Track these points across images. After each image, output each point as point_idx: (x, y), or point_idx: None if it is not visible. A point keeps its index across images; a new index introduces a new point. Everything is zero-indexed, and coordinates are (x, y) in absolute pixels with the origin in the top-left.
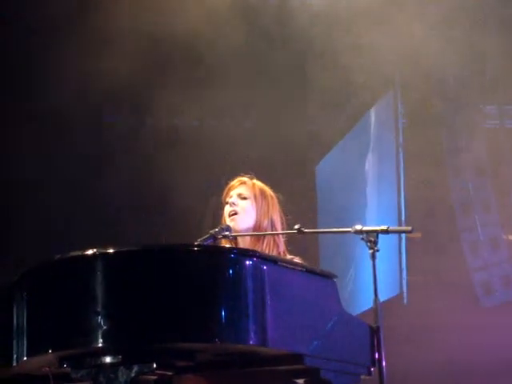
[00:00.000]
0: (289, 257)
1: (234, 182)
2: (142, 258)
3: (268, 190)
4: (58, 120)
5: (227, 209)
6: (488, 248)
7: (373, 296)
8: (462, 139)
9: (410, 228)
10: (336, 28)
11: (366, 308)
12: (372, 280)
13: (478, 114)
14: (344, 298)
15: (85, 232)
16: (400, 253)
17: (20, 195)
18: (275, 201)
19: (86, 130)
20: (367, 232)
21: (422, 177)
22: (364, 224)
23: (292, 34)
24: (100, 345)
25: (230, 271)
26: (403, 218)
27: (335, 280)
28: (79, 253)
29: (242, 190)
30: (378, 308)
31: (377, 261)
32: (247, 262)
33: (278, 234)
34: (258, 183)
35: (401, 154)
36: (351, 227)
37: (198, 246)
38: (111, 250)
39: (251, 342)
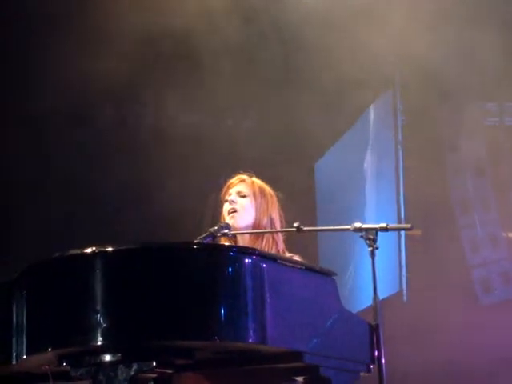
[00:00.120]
0: (288, 255)
1: (234, 180)
2: (141, 256)
3: (267, 188)
4: (56, 120)
5: (226, 207)
6: (487, 246)
7: (372, 294)
8: (462, 137)
9: (409, 225)
10: (333, 26)
11: (366, 306)
12: (371, 278)
13: (478, 111)
14: (343, 295)
15: (83, 231)
16: (399, 250)
17: (19, 195)
18: (274, 199)
19: (84, 129)
20: (366, 229)
21: (422, 174)
22: (363, 222)
23: (290, 33)
24: (99, 343)
25: (230, 269)
26: (402, 216)
27: (334, 278)
28: (78, 251)
29: (242, 187)
30: (377, 306)
31: (376, 258)
32: (246, 260)
33: (277, 232)
34: (258, 181)
35: (400, 152)
36: (350, 225)
37: (197, 243)
38: (110, 248)
39: (250, 340)
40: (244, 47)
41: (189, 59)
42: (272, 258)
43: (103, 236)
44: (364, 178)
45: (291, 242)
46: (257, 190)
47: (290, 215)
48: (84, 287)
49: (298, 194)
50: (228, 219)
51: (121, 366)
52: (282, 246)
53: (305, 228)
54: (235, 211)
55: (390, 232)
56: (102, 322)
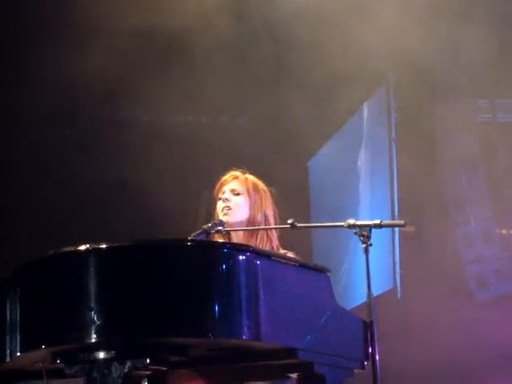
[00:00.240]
0: (282, 251)
1: (227, 177)
2: (135, 253)
3: (261, 184)
4: (50, 118)
5: (220, 204)
6: (481, 242)
7: (366, 290)
8: (455, 133)
9: (403, 222)
10: (324, 23)
11: (360, 302)
12: (365, 274)
13: (471, 108)
14: (337, 292)
15: (81, 231)
16: (393, 247)
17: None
18: (268, 195)
19: (80, 128)
20: (360, 226)
21: (415, 171)
22: (357, 218)
23: (282, 30)
24: (93, 340)
25: (224, 266)
26: (396, 213)
27: (328, 274)
28: (72, 248)
29: (235, 185)
30: (371, 302)
31: (370, 255)
32: (240, 257)
33: (271, 229)
34: (251, 177)
35: (394, 149)
36: (344, 221)
37: (190, 240)
38: (104, 246)
39: (245, 337)
40: (236, 45)
41: (182, 57)
42: (266, 255)
43: (99, 235)
44: (358, 176)
45: (285, 238)
46: (250, 186)
47: (284, 213)
48: (78, 284)
49: (291, 192)
50: (222, 217)
51: (115, 363)
52: (276, 242)
53: (299, 225)
54: (229, 209)
55: (383, 229)
56: (95, 319)
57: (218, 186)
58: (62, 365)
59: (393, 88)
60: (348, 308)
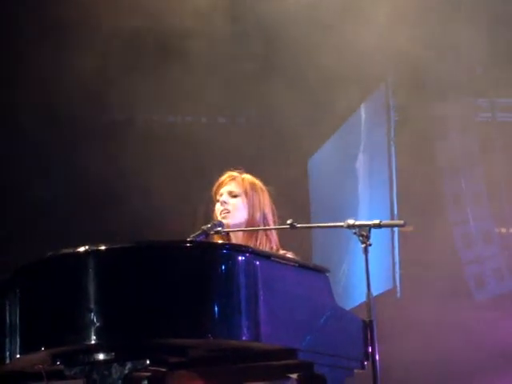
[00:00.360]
0: (281, 252)
1: (224, 178)
2: (134, 254)
3: (258, 183)
4: (50, 118)
5: (218, 207)
6: (480, 241)
7: (366, 290)
8: (454, 132)
9: (402, 222)
10: (322, 25)
11: (359, 302)
12: (365, 274)
13: (470, 107)
14: (337, 292)
15: (78, 230)
16: (393, 247)
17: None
18: (265, 193)
19: (79, 128)
20: (360, 226)
21: (414, 171)
22: (356, 218)
23: (277, 31)
24: (93, 342)
25: (223, 267)
26: (395, 212)
27: (328, 274)
28: (71, 250)
29: (232, 186)
30: (371, 302)
31: (369, 255)
32: (240, 258)
33: (270, 230)
34: (248, 177)
35: (392, 148)
36: (344, 221)
37: (190, 241)
38: (103, 247)
39: (244, 338)
40: (235, 45)
41: (181, 57)
42: (265, 256)
43: (98, 236)
44: (357, 176)
45: (285, 239)
46: (248, 186)
47: (284, 213)
48: (77, 286)
49: (291, 192)
50: (221, 219)
51: (115, 364)
52: (275, 242)
53: (298, 225)
54: (228, 212)
55: (383, 229)
56: (95, 320)
57: (215, 188)
58: (62, 366)
59: (391, 88)
60: (347, 308)
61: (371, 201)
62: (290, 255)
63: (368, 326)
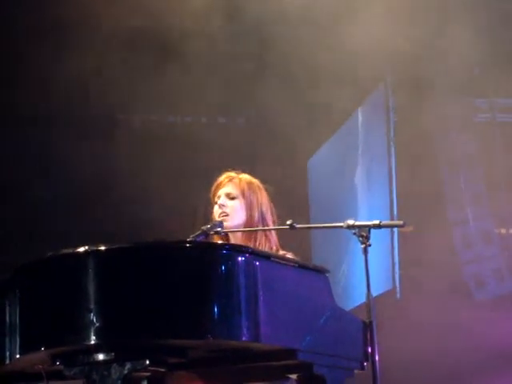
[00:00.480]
0: (281, 252)
1: (222, 179)
2: (134, 254)
3: (255, 182)
4: (50, 118)
5: (217, 210)
6: (480, 241)
7: (365, 291)
8: (453, 133)
9: (402, 222)
10: (321, 25)
11: (359, 303)
12: (364, 275)
13: (469, 107)
14: (337, 293)
15: (78, 230)
16: (392, 247)
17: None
18: (263, 192)
19: (79, 128)
20: (359, 227)
21: (414, 171)
22: (356, 219)
23: (277, 31)
24: (92, 342)
25: (223, 267)
26: (395, 213)
27: (328, 275)
28: (71, 250)
29: (230, 188)
30: (370, 303)
31: (369, 255)
32: (240, 258)
33: (270, 230)
34: (245, 177)
35: (392, 149)
36: (343, 222)
37: (189, 242)
38: (103, 247)
39: (244, 338)
40: (230, 46)
41: (179, 57)
42: (265, 256)
43: (98, 236)
44: (356, 176)
45: (284, 239)
46: (245, 187)
47: (283, 213)
48: (77, 286)
49: (290, 192)
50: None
51: (114, 364)
52: (275, 243)
53: (298, 225)
54: (226, 215)
55: (382, 229)
56: (95, 320)
57: (213, 189)
58: (62, 367)
59: (391, 88)
60: (347, 308)
61: (371, 201)
62: (289, 256)
63: (368, 326)
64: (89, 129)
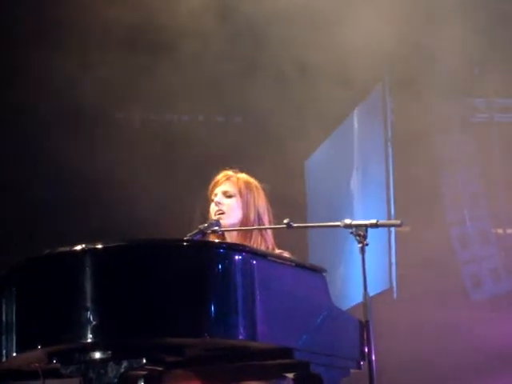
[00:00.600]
0: (278, 251)
1: (219, 178)
2: (131, 253)
3: (253, 182)
4: (50, 119)
5: (213, 207)
6: (477, 242)
7: (362, 290)
8: (451, 133)
9: (399, 222)
10: (319, 25)
11: (356, 302)
12: (361, 274)
13: (467, 107)
14: (333, 292)
15: (78, 230)
16: (389, 247)
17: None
18: (260, 191)
19: (78, 128)
20: (356, 226)
21: (411, 171)
22: (353, 218)
23: (275, 32)
24: (89, 340)
25: (220, 266)
26: (392, 212)
27: (325, 274)
28: (68, 248)
29: (227, 186)
30: (367, 302)
31: (366, 255)
32: (236, 257)
33: (266, 229)
34: (243, 176)
35: (389, 148)
36: (340, 221)
37: (186, 240)
38: (100, 246)
39: (241, 337)
40: (227, 45)
41: (178, 57)
42: (262, 255)
43: (96, 235)
44: (354, 175)
45: (281, 238)
46: (242, 186)
47: (280, 212)
48: (73, 284)
49: (287, 191)
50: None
51: (111, 363)
52: (271, 242)
53: (295, 224)
54: (222, 213)
55: (380, 228)
56: (91, 319)
57: (210, 187)
58: (58, 365)
59: (388, 88)
60: (344, 308)
61: (368, 201)
62: (286, 255)
63: (364, 325)
64: (88, 128)
